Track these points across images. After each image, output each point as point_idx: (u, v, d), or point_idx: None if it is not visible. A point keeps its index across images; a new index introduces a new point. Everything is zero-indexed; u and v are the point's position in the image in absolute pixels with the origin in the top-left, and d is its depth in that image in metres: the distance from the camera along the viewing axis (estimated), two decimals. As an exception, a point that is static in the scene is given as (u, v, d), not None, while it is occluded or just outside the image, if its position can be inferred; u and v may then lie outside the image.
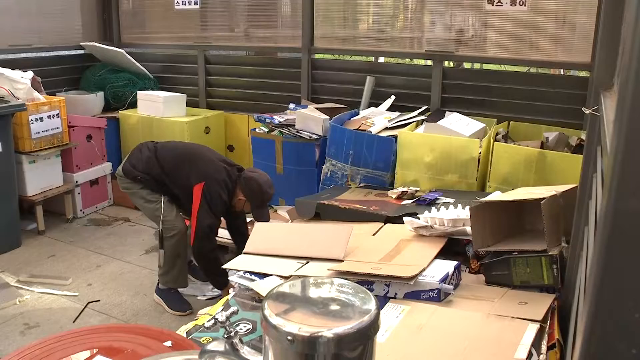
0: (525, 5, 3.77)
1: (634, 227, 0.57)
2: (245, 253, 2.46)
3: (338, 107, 4.31)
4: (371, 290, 1.84)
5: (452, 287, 2.02)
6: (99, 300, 3.40)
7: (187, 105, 4.95)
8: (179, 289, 3.36)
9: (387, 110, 4.15)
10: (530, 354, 1.60)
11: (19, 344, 2.89)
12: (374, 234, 2.61)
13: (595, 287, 0.60)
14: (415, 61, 6.08)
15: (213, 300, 3.29)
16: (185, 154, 3.33)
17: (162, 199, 3.24)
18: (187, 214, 3.28)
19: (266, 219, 3.28)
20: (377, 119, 3.90)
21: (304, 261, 2.31)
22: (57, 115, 4.28)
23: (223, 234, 3.89)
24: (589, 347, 0.61)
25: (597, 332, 0.60)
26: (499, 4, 3.86)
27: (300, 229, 2.72)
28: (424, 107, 4.11)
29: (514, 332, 1.71)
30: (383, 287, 2.02)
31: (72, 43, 5.31)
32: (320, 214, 2.98)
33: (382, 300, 1.98)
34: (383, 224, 2.74)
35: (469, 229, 2.31)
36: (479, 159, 3.35)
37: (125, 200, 4.87)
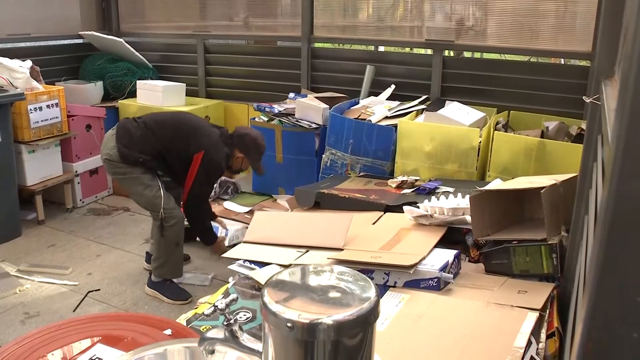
0: (526, -6, 3.76)
1: (635, 213, 0.57)
2: (245, 242, 2.46)
3: (338, 96, 4.29)
4: (371, 279, 1.85)
5: (452, 275, 2.02)
6: (99, 290, 3.40)
7: (186, 95, 4.94)
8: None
9: (387, 99, 4.14)
10: (529, 342, 1.61)
11: (19, 333, 2.90)
12: (373, 223, 2.61)
13: (596, 272, 0.60)
14: (416, 50, 6.06)
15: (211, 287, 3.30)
16: (179, 124, 3.29)
17: (161, 186, 3.19)
18: (180, 185, 3.29)
19: (263, 170, 3.47)
20: (377, 108, 3.89)
21: (303, 250, 2.32)
22: (56, 104, 4.27)
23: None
24: (590, 331, 0.61)
25: (599, 317, 0.60)
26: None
27: (300, 217, 2.73)
28: (424, 97, 4.10)
29: (514, 320, 1.72)
30: (383, 276, 2.02)
31: (71, 32, 5.28)
32: (320, 203, 2.98)
33: (381, 289, 1.99)
34: (383, 213, 2.74)
35: (468, 218, 2.31)
36: (479, 148, 3.35)
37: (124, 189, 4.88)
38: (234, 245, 3.39)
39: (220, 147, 3.23)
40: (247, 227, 3.50)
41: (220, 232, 3.61)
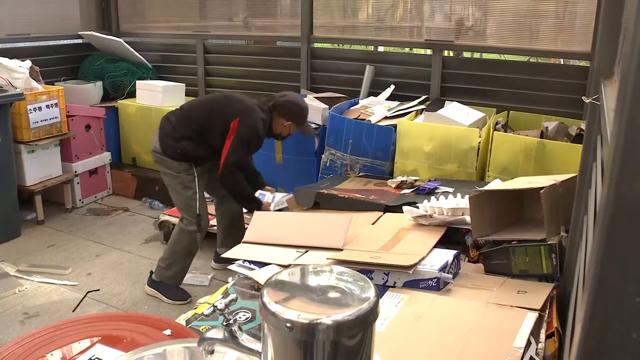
0: (525, -6, 3.76)
1: (635, 213, 0.57)
2: (244, 242, 2.46)
3: (337, 96, 4.29)
4: (370, 279, 1.85)
5: (451, 276, 2.02)
6: (98, 290, 3.40)
7: (186, 95, 4.94)
8: None
9: (386, 99, 4.14)
10: (528, 343, 1.61)
11: (18, 333, 2.90)
12: (373, 223, 2.61)
13: (596, 272, 0.60)
14: (415, 50, 6.07)
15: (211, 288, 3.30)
16: (213, 101, 3.31)
17: (198, 190, 3.19)
18: None
19: (311, 130, 3.44)
20: (376, 108, 3.89)
21: (303, 250, 2.31)
22: (56, 104, 4.27)
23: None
24: (590, 331, 0.61)
25: (598, 317, 0.60)
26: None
27: (299, 218, 2.73)
28: (424, 97, 4.10)
29: (513, 320, 1.72)
30: (382, 276, 2.02)
31: (71, 32, 5.29)
32: (320, 203, 2.98)
33: (381, 289, 1.98)
34: (382, 213, 2.74)
35: (468, 218, 2.31)
36: (478, 149, 3.35)
37: (124, 190, 4.88)
38: (280, 210, 3.47)
39: (255, 112, 3.17)
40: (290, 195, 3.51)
41: (267, 198, 3.59)
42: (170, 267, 3.26)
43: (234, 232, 3.44)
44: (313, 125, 3.93)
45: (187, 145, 3.16)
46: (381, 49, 5.09)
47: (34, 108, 4.10)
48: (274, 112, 3.26)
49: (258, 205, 3.30)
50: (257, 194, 3.50)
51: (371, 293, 0.89)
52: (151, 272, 3.36)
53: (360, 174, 3.67)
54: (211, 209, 3.58)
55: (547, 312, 1.80)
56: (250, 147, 3.22)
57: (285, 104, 3.27)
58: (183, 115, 3.24)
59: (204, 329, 1.82)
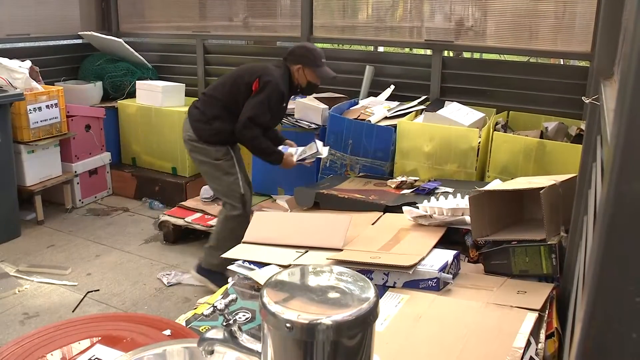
0: (525, -6, 3.76)
1: (634, 213, 0.57)
2: (244, 242, 2.46)
3: (337, 96, 4.30)
4: (370, 279, 1.84)
5: (451, 276, 2.02)
6: (98, 290, 3.40)
7: (185, 95, 4.94)
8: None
9: (386, 99, 4.14)
10: (528, 343, 1.61)
11: (18, 333, 2.90)
12: (373, 224, 2.61)
13: (595, 272, 0.60)
14: (415, 51, 6.07)
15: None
16: (233, 76, 3.32)
17: (240, 176, 3.24)
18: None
19: (331, 74, 3.41)
20: (376, 108, 3.89)
21: (303, 250, 2.31)
22: (56, 105, 4.27)
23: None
24: (589, 331, 0.61)
25: (598, 317, 0.60)
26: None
27: (299, 218, 2.73)
28: (424, 97, 4.10)
29: (513, 321, 1.72)
30: (382, 276, 2.02)
31: (71, 32, 5.29)
32: (320, 204, 2.98)
33: (381, 290, 1.98)
34: (382, 213, 2.74)
35: (468, 218, 2.31)
36: (478, 149, 3.35)
37: (124, 190, 4.88)
38: (303, 160, 3.40)
39: (273, 69, 3.24)
40: (313, 145, 3.46)
41: (290, 151, 3.53)
42: (216, 255, 3.24)
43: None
44: (313, 126, 3.93)
45: (219, 125, 3.21)
46: (381, 49, 5.09)
47: (34, 108, 4.10)
48: (287, 62, 3.31)
49: (279, 157, 3.30)
50: (280, 148, 3.45)
51: (371, 293, 0.89)
52: (199, 262, 3.35)
53: (360, 174, 3.67)
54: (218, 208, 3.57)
55: (547, 312, 1.80)
56: (271, 104, 3.20)
57: (292, 50, 3.35)
58: (208, 97, 3.30)
59: (204, 329, 1.82)
